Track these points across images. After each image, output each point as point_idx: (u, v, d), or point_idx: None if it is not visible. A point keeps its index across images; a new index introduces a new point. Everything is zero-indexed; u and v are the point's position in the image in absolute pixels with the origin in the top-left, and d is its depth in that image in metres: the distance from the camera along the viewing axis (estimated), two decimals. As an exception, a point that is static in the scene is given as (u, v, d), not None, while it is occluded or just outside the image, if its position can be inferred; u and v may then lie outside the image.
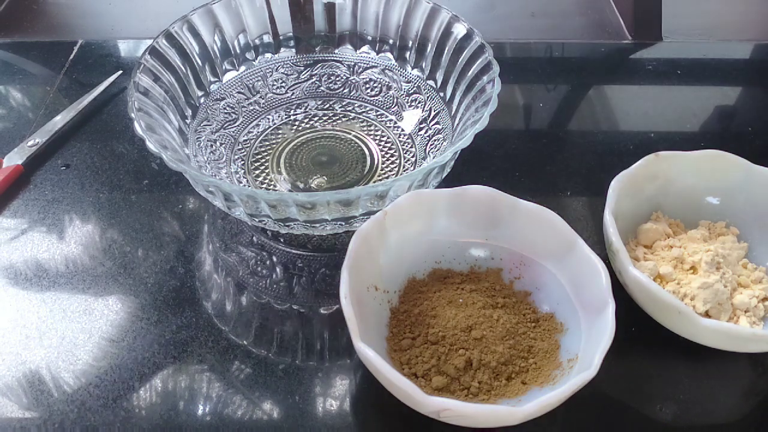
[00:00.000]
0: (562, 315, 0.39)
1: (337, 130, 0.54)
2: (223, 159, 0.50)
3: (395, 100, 0.55)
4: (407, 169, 0.51)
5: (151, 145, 0.40)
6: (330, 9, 0.50)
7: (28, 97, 0.59)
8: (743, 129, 0.58)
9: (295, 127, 0.54)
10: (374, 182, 0.50)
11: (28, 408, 0.37)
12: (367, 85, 0.56)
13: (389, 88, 0.56)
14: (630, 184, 0.43)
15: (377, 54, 0.56)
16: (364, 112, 0.55)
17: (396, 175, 0.50)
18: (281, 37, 0.56)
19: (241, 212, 0.42)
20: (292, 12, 0.55)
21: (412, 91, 0.55)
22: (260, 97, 0.55)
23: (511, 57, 0.65)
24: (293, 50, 0.57)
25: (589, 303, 0.37)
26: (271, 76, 0.56)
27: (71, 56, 0.63)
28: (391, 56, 0.56)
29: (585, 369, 0.33)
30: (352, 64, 0.57)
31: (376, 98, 0.56)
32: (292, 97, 0.56)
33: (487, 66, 0.48)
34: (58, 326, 0.41)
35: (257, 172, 0.50)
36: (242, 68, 0.55)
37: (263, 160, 0.51)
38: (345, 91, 0.56)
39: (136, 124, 0.42)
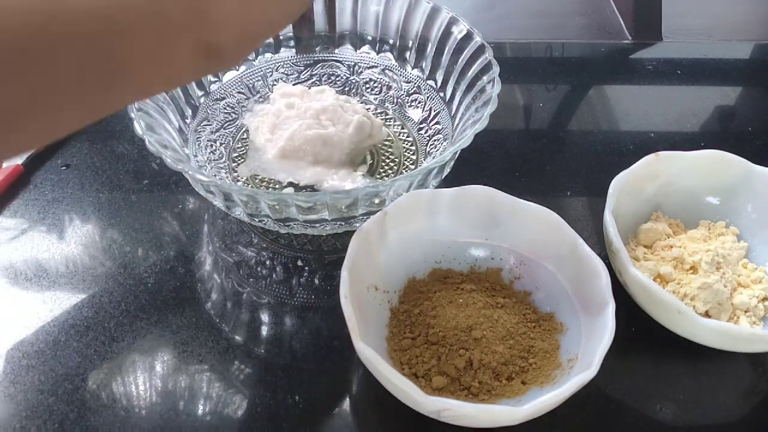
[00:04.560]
0: (562, 315, 0.39)
1: (337, 130, 0.54)
2: (223, 159, 0.50)
3: (395, 100, 0.55)
4: (407, 169, 0.51)
5: (151, 145, 0.40)
6: (330, 9, 0.50)
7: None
8: (743, 129, 0.58)
9: (295, 127, 0.54)
10: (374, 182, 0.50)
11: (28, 408, 0.37)
12: (368, 85, 0.56)
13: (389, 88, 0.56)
14: (630, 184, 0.43)
15: (377, 54, 0.56)
16: (364, 112, 0.55)
17: (396, 175, 0.50)
18: (281, 37, 0.56)
19: (241, 212, 0.42)
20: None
21: (412, 91, 0.55)
22: (260, 97, 0.55)
23: (511, 57, 0.65)
24: (293, 50, 0.57)
25: (589, 303, 0.37)
26: (271, 76, 0.56)
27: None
28: (391, 56, 0.56)
29: (585, 369, 0.33)
30: (352, 64, 0.57)
31: (376, 98, 0.56)
32: (292, 97, 0.56)
33: (487, 66, 0.48)
34: (57, 326, 0.41)
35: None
36: (242, 68, 0.55)
37: (263, 160, 0.51)
38: (345, 91, 0.56)
39: (136, 124, 0.42)
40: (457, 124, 0.49)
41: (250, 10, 0.25)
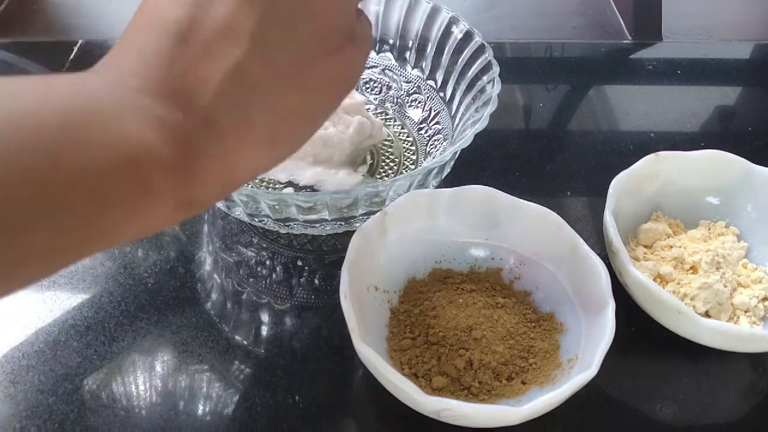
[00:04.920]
0: (562, 315, 0.39)
1: (337, 130, 0.54)
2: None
3: (395, 100, 0.55)
4: (407, 169, 0.51)
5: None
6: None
7: (28, 97, 0.59)
8: (743, 129, 0.58)
9: (295, 127, 0.54)
10: (374, 182, 0.50)
11: (28, 408, 0.37)
12: (367, 85, 0.56)
13: (389, 88, 0.56)
14: (630, 184, 0.43)
15: (377, 54, 0.56)
16: (364, 112, 0.55)
17: (396, 175, 0.50)
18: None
19: (241, 212, 0.42)
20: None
21: (412, 91, 0.55)
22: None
23: (511, 57, 0.65)
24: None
25: (589, 303, 0.37)
26: (271, 76, 0.56)
27: (71, 56, 0.63)
28: (391, 56, 0.56)
29: (585, 369, 0.33)
30: (352, 64, 0.57)
31: (376, 98, 0.56)
32: (292, 97, 0.56)
33: (487, 66, 0.48)
34: (57, 326, 0.41)
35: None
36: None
37: (263, 160, 0.51)
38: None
39: (136, 124, 0.41)
40: (457, 124, 0.49)
41: (233, 170, 0.24)
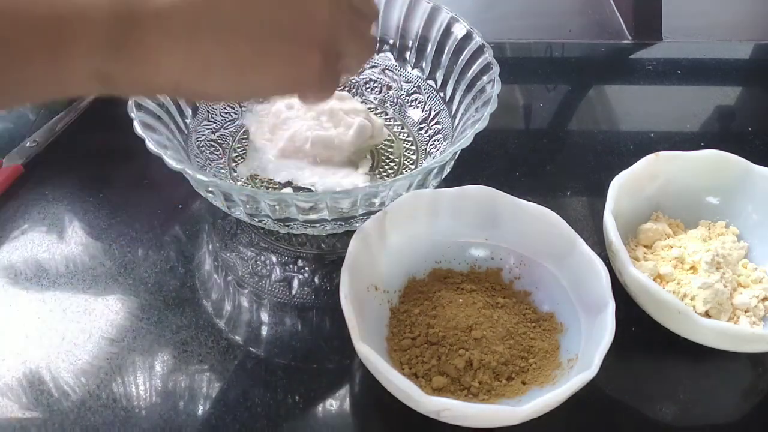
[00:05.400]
0: (562, 315, 0.39)
1: (337, 130, 0.54)
2: (223, 159, 0.50)
3: (395, 100, 0.55)
4: (407, 169, 0.51)
5: (151, 145, 0.40)
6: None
7: (28, 97, 0.59)
8: (743, 129, 0.58)
9: (295, 127, 0.54)
10: (374, 182, 0.50)
11: (28, 408, 0.37)
12: (367, 85, 0.56)
13: (389, 88, 0.56)
14: (630, 184, 0.43)
15: (377, 54, 0.56)
16: (364, 112, 0.55)
17: (396, 175, 0.50)
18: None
19: (241, 212, 0.42)
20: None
21: (412, 91, 0.55)
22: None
23: (511, 57, 0.65)
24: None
25: (589, 303, 0.37)
26: (271, 76, 0.56)
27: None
28: (391, 56, 0.56)
29: (585, 369, 0.33)
30: (352, 64, 0.57)
31: (376, 98, 0.56)
32: (292, 97, 0.56)
33: (487, 66, 0.48)
34: (58, 326, 0.41)
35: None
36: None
37: (263, 160, 0.51)
38: (345, 91, 0.56)
39: (136, 124, 0.42)
40: (457, 124, 0.49)
41: (160, 68, 0.25)
